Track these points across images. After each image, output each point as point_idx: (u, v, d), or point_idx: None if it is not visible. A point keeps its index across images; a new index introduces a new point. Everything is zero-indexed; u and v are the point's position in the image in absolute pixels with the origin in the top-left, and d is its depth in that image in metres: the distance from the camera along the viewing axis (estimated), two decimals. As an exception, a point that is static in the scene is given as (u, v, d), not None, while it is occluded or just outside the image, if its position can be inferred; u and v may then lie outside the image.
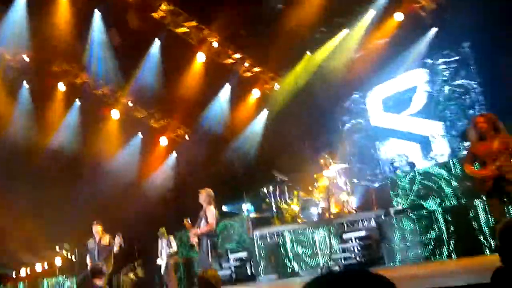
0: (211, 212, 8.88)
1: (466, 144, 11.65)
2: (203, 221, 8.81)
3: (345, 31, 13.77)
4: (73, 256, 13.92)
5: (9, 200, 14.00)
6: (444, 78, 12.50)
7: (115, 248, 10.12)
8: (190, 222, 9.01)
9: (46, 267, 15.15)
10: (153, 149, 18.16)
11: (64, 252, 13.67)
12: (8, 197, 14.02)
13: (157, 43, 15.41)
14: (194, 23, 14.70)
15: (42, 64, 15.80)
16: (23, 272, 15.56)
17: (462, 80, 12.16)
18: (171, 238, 12.39)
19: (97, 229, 10.52)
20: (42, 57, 15.56)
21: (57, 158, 15.92)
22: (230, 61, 15.62)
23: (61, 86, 16.32)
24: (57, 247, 13.78)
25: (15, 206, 13.92)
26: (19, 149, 15.01)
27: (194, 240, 8.85)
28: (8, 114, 15.39)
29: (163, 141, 18.23)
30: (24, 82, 15.87)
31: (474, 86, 11.92)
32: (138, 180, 17.25)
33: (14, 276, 15.84)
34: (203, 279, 5.08)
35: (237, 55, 15.53)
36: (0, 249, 14.03)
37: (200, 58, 15.16)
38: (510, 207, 6.18)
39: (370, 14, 13.08)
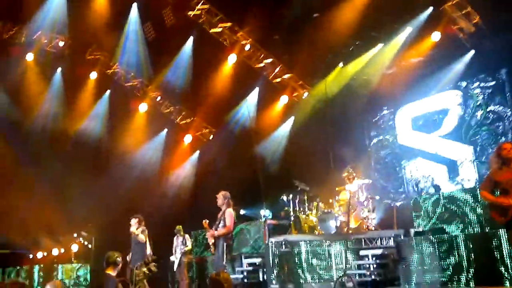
0: (229, 214, 8.91)
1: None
2: (221, 223, 8.84)
3: (379, 46, 13.65)
4: (89, 245, 14.07)
5: (34, 183, 14.22)
6: (478, 103, 12.29)
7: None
8: (207, 223, 9.04)
9: (62, 252, 15.33)
10: (177, 146, 18.27)
11: (82, 239, 13.82)
12: (33, 181, 14.24)
13: (190, 41, 15.52)
14: (228, 24, 14.77)
15: (76, 51, 16.07)
16: (40, 255, 15.78)
17: (496, 106, 11.94)
18: (187, 236, 12.42)
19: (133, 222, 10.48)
20: (78, 44, 15.83)
21: (83, 146, 16.16)
22: (261, 65, 15.63)
23: (93, 75, 16.56)
24: (75, 234, 13.94)
25: (39, 190, 14.12)
26: (47, 134, 15.28)
27: (211, 241, 8.87)
28: (40, 98, 15.67)
29: (188, 138, 18.32)
30: (59, 68, 16.13)
31: (508, 113, 11.69)
32: (159, 176, 17.38)
33: (30, 258, 16.08)
34: (215, 281, 5.08)
35: (268, 60, 15.52)
36: (21, 231, 14.26)
37: (232, 59, 15.19)
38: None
39: (407, 31, 12.94)
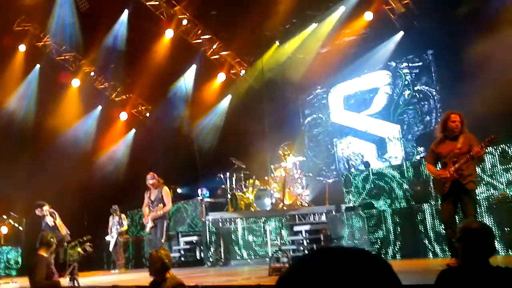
0: (166, 193, 8.92)
1: (420, 148, 12.05)
2: (158, 203, 8.80)
3: (314, 25, 13.84)
4: (20, 226, 13.62)
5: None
6: (405, 82, 12.81)
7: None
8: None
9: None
10: (112, 123, 17.85)
11: (11, 221, 13.35)
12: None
13: (125, 13, 15.08)
14: (165, -3, 14.44)
15: (3, 21, 15.18)
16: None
17: (423, 86, 12.50)
18: (123, 216, 12.31)
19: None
20: (4, 14, 14.95)
21: (11, 123, 15.41)
22: (198, 41, 15.46)
23: (22, 48, 15.78)
24: (4, 216, 13.43)
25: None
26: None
27: (150, 223, 8.82)
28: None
29: (123, 116, 17.93)
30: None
31: (434, 93, 12.28)
32: (93, 154, 16.96)
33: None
34: (156, 257, 5.14)
35: (206, 36, 15.37)
36: None
37: (169, 34, 14.92)
38: (460, 212, 6.10)
39: (340, 10, 13.19)
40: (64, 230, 10.04)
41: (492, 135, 5.77)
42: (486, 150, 6.08)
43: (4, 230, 13.47)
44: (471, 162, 5.97)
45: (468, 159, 5.89)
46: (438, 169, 6.33)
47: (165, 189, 9.04)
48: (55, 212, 10.09)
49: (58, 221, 10.10)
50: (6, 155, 14.30)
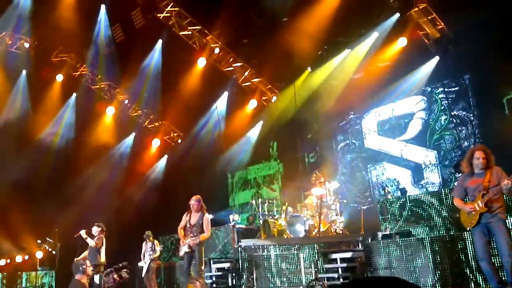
0: (207, 221, 8.81)
1: (458, 175, 11.72)
2: (199, 229, 8.68)
3: (347, 51, 13.81)
4: (53, 251, 13.74)
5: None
6: (441, 107, 12.56)
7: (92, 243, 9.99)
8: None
9: (26, 259, 14.93)
10: (145, 149, 18.07)
11: (46, 246, 13.49)
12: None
13: (159, 43, 15.40)
14: (198, 27, 14.70)
15: (42, 52, 15.71)
16: (2, 262, 15.30)
17: (460, 111, 12.23)
18: (156, 242, 12.28)
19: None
20: (43, 46, 15.48)
21: (49, 150, 15.79)
22: (230, 68, 15.62)
23: (60, 77, 16.24)
24: (39, 240, 13.60)
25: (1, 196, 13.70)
26: (12, 138, 14.83)
27: (185, 249, 8.68)
28: (3, 101, 15.24)
29: (156, 142, 18.14)
30: (23, 70, 15.75)
31: (471, 118, 11.99)
32: (127, 180, 17.13)
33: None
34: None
35: (238, 64, 15.53)
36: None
37: (201, 63, 15.12)
38: (493, 243, 6.08)
39: (373, 37, 13.13)
40: (103, 257, 9.99)
41: None
42: None
43: (39, 255, 13.62)
44: (500, 194, 6.02)
45: (497, 192, 5.95)
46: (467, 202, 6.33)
47: (207, 216, 8.91)
48: (104, 238, 10.08)
49: (103, 248, 10.07)
50: (43, 181, 14.57)
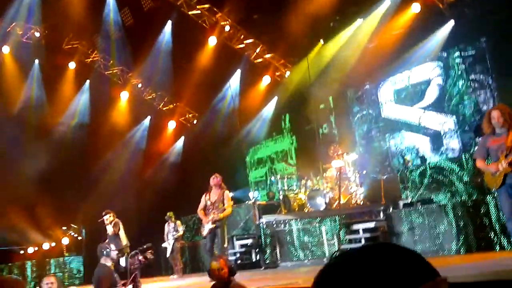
0: (228, 197, 8.87)
1: (478, 139, 11.56)
2: (221, 205, 8.72)
3: (359, 21, 13.59)
4: (79, 236, 14.01)
5: (20, 178, 13.99)
6: (459, 72, 12.32)
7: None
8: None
9: (53, 246, 15.25)
10: (161, 132, 18.15)
11: (72, 232, 13.75)
12: (19, 176, 14.02)
13: (169, 25, 15.34)
14: (206, 6, 14.58)
15: (53, 41, 15.76)
16: (30, 250, 15.65)
17: (478, 75, 11.99)
18: (178, 222, 12.42)
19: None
20: (54, 34, 15.52)
21: (67, 137, 15.96)
22: (241, 46, 15.51)
23: (72, 65, 16.31)
24: (64, 227, 13.86)
25: (23, 184, 13.90)
26: (30, 127, 15.02)
27: (210, 226, 8.72)
28: (18, 91, 15.39)
29: (172, 124, 18.21)
30: (36, 59, 15.85)
31: (490, 81, 11.75)
32: (146, 163, 17.27)
33: (21, 254, 15.95)
34: (223, 263, 5.08)
35: (249, 40, 15.40)
36: (9, 227, 14.09)
37: (212, 41, 15.04)
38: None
39: (386, 4, 12.89)
40: (125, 240, 10.09)
41: None
42: None
43: (65, 241, 13.90)
44: None
45: None
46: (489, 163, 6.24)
47: (227, 192, 8.99)
48: (120, 222, 10.16)
49: (121, 231, 10.15)
50: (64, 168, 14.76)
